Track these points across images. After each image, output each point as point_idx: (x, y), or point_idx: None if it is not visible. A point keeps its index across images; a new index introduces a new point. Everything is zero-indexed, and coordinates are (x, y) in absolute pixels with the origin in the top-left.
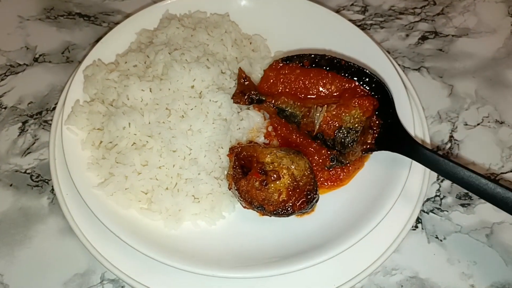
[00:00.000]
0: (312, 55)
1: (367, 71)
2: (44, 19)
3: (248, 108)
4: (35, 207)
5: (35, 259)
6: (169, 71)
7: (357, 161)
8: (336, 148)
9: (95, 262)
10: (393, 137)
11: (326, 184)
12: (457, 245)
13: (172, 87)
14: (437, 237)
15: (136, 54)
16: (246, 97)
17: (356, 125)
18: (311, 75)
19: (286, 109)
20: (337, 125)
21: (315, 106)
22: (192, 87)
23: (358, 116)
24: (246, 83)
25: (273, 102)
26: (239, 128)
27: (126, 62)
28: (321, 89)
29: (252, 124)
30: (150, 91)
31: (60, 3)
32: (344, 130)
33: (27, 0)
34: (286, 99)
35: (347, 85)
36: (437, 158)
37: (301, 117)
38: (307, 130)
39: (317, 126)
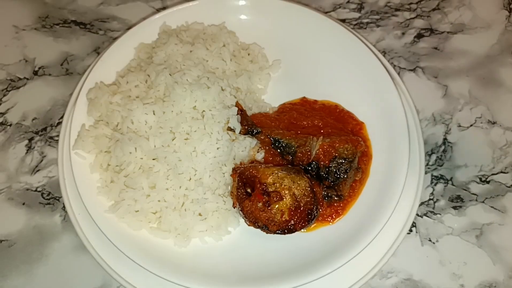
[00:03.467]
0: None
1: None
2: (40, 28)
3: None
4: (48, 225)
5: (53, 276)
6: (171, 94)
7: (352, 193)
8: (329, 179)
9: (110, 277)
10: None
11: (329, 219)
12: (449, 247)
13: (175, 110)
14: (430, 240)
15: (136, 74)
16: (241, 128)
17: (350, 156)
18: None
19: (282, 140)
20: (333, 153)
21: (311, 137)
22: (194, 108)
23: (351, 149)
24: (242, 114)
25: (268, 133)
26: (242, 151)
27: (127, 83)
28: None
29: (253, 142)
30: (154, 113)
31: (55, 10)
32: (338, 160)
33: (21, 9)
34: (282, 131)
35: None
36: None
37: (296, 147)
38: (301, 162)
39: (314, 154)
